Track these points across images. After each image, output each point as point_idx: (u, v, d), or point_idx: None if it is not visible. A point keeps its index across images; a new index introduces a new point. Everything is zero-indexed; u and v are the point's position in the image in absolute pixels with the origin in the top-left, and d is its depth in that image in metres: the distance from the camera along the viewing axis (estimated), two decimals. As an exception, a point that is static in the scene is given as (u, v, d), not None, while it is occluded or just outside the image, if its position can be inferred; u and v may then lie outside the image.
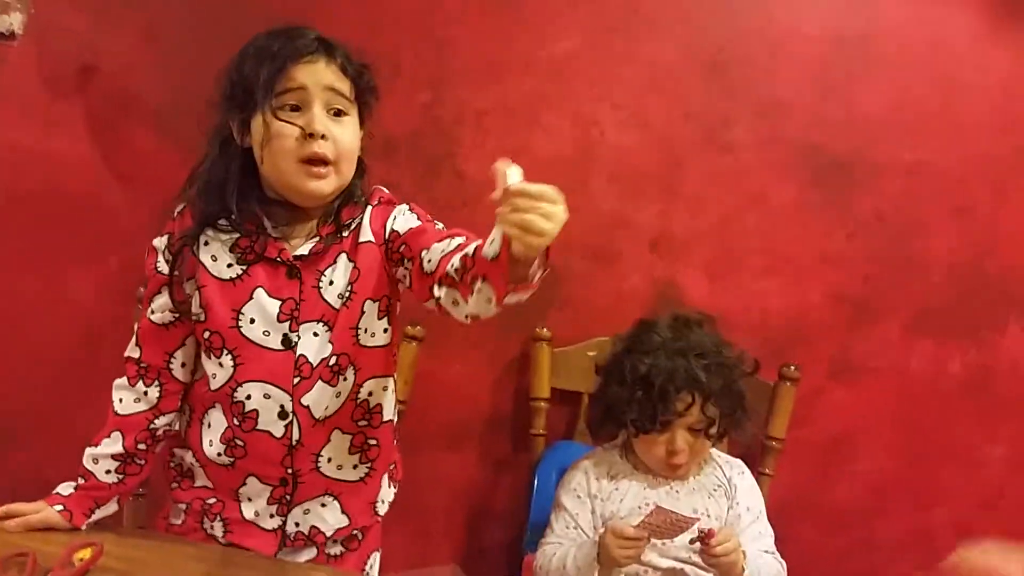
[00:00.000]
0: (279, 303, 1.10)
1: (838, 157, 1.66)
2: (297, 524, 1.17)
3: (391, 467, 1.26)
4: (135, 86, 1.67)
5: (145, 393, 1.15)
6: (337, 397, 1.13)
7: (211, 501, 1.17)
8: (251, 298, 1.10)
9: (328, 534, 1.17)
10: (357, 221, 1.14)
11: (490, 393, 1.71)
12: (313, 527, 1.17)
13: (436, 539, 1.52)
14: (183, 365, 1.17)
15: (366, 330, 1.13)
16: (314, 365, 1.10)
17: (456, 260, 0.97)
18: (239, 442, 1.13)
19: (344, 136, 1.08)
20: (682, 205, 1.68)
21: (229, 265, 1.10)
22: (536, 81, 1.66)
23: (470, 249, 0.95)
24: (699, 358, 1.32)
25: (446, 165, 1.66)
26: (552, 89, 1.66)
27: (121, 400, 1.15)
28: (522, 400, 1.66)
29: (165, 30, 1.67)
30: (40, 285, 1.70)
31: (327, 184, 1.08)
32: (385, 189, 1.20)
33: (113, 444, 1.13)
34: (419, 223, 1.13)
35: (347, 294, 1.11)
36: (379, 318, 1.14)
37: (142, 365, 1.15)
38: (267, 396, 1.10)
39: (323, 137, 1.06)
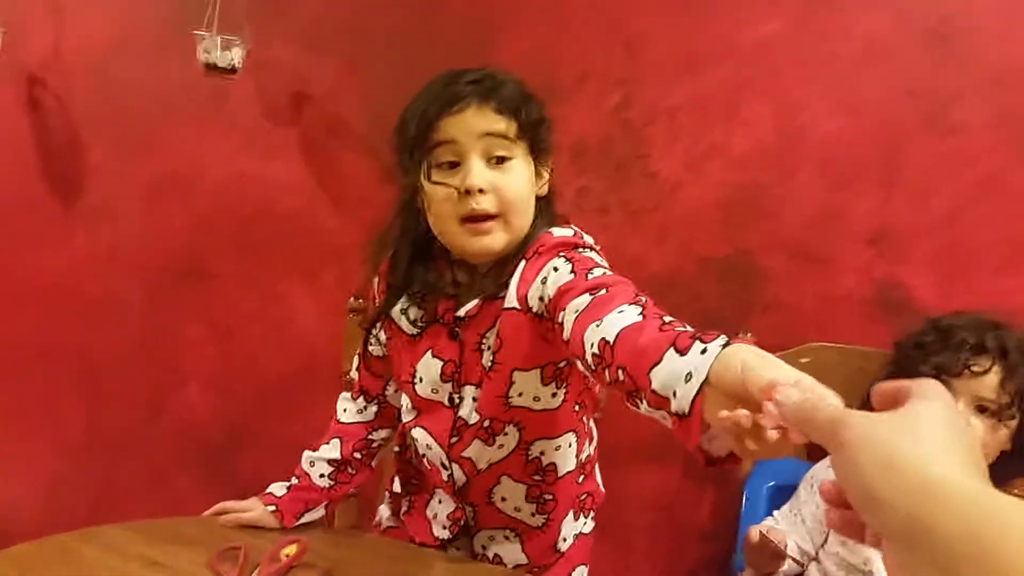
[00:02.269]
0: (441, 364, 1.07)
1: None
2: (484, 547, 1.16)
3: (581, 498, 1.18)
4: (342, 111, 1.77)
5: (365, 409, 1.21)
6: (500, 449, 1.08)
7: (414, 482, 1.21)
8: (422, 357, 1.09)
9: (509, 567, 1.15)
10: (508, 280, 1.01)
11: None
12: (496, 555, 1.15)
13: (637, 556, 1.46)
14: (397, 391, 1.20)
15: (521, 394, 1.04)
16: (469, 424, 1.08)
17: (595, 343, 0.77)
18: (423, 467, 1.16)
19: (509, 184, 0.99)
20: (904, 195, 1.51)
21: (413, 321, 1.10)
22: (734, 70, 1.56)
23: (610, 334, 0.74)
24: (1019, 344, 1.15)
25: (637, 167, 1.61)
26: (752, 76, 1.56)
27: (345, 410, 1.22)
28: (727, 410, 1.56)
29: (367, 57, 1.75)
30: (262, 300, 1.85)
31: (494, 240, 1.00)
32: (556, 231, 1.04)
33: (331, 450, 1.18)
34: (570, 278, 0.92)
35: (490, 363, 1.03)
36: (544, 384, 1.04)
37: (362, 387, 1.21)
38: (428, 447, 1.12)
39: (481, 191, 0.98)
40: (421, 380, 1.10)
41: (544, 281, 0.97)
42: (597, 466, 1.24)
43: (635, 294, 0.83)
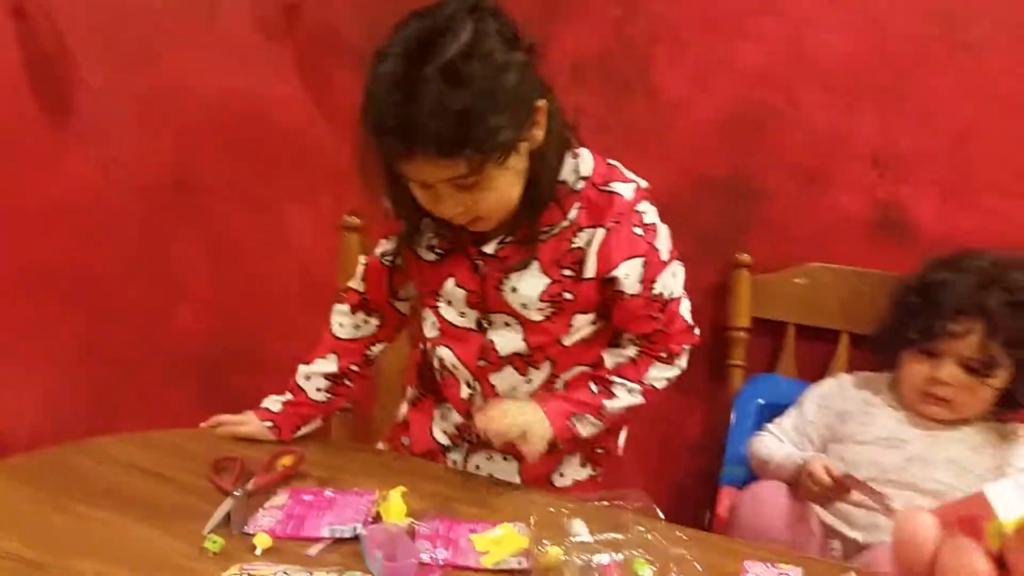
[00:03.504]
0: (465, 293, 1.08)
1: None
2: (478, 467, 1.19)
3: (596, 451, 1.22)
4: (335, 22, 1.71)
5: (365, 322, 1.20)
6: (528, 383, 1.12)
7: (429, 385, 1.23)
8: (444, 284, 1.09)
9: None
10: (584, 242, 1.02)
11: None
12: (490, 474, 1.17)
13: (626, 468, 1.48)
14: (406, 300, 1.20)
15: (575, 333, 1.10)
16: (502, 355, 1.09)
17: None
18: (437, 378, 1.17)
19: (480, 201, 0.96)
20: (911, 116, 1.47)
21: (431, 247, 1.09)
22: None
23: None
24: (1003, 291, 1.16)
25: (639, 86, 1.57)
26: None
27: (341, 325, 1.20)
28: (720, 330, 1.57)
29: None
30: (258, 219, 1.83)
31: (484, 227, 1.01)
32: (624, 191, 1.03)
33: (327, 364, 1.18)
34: (638, 296, 1.05)
35: (552, 312, 1.06)
36: (592, 324, 1.11)
37: (365, 298, 1.19)
38: (455, 367, 1.13)
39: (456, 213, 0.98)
40: (448, 303, 1.10)
41: (626, 276, 1.04)
42: (625, 430, 1.26)
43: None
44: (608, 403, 1.09)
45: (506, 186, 0.96)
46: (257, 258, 1.85)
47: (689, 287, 1.58)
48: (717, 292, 1.58)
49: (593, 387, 1.09)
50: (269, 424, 1.15)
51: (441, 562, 0.89)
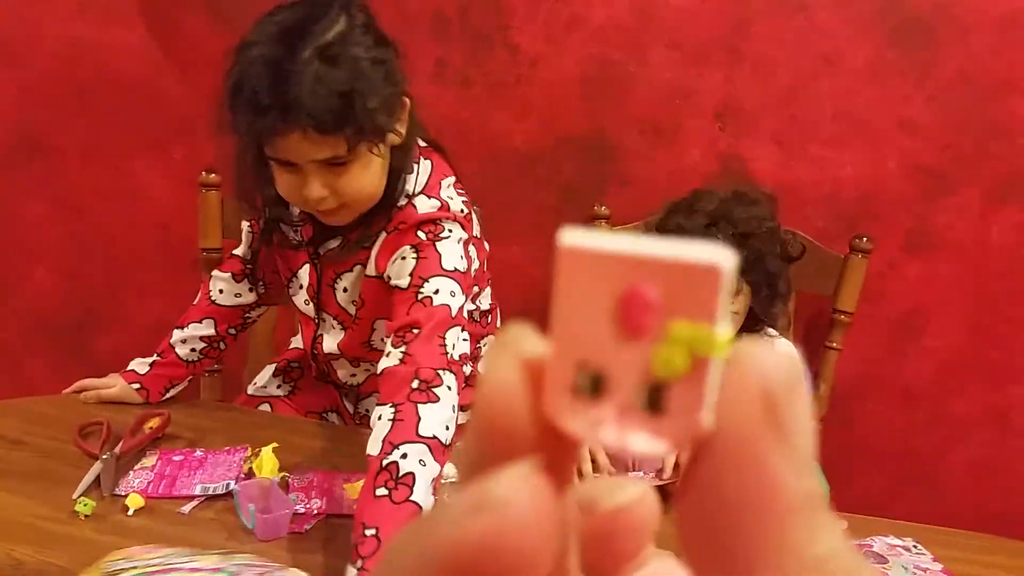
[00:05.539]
0: (305, 285, 1.14)
1: (920, 12, 1.53)
2: (367, 410, 1.24)
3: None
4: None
5: (250, 289, 1.20)
6: (366, 371, 1.21)
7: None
8: (295, 273, 1.14)
9: None
10: (372, 243, 1.06)
11: (550, 274, 1.69)
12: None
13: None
14: None
15: (383, 339, 1.09)
16: (326, 351, 1.16)
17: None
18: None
19: (348, 185, 0.97)
20: (749, 71, 1.58)
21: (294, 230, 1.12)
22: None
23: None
24: (729, 226, 1.27)
25: (498, 39, 1.60)
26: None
27: (221, 291, 1.19)
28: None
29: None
30: (109, 175, 1.75)
31: (342, 219, 1.03)
32: (422, 205, 1.04)
33: (204, 328, 1.18)
34: (405, 287, 1.00)
35: (355, 316, 1.11)
36: None
37: (249, 266, 1.19)
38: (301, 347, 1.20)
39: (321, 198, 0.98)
40: (301, 287, 1.14)
41: (394, 263, 1.03)
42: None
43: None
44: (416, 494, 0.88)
45: (373, 175, 0.99)
46: (111, 215, 1.78)
47: (553, 240, 1.65)
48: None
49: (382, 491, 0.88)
50: (136, 386, 1.14)
51: (315, 511, 0.93)
